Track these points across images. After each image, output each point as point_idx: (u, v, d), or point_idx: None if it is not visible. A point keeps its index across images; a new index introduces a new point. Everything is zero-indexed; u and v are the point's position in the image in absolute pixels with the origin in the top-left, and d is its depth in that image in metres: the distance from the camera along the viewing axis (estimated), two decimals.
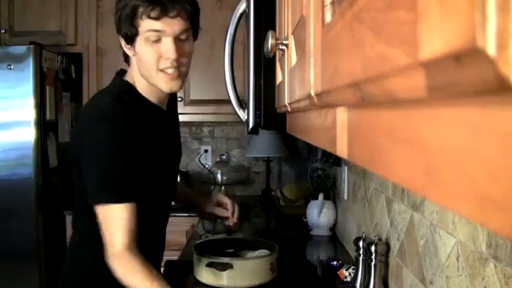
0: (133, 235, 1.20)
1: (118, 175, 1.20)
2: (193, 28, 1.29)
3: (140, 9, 1.19)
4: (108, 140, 1.20)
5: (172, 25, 1.20)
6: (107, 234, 1.20)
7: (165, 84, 1.26)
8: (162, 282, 1.19)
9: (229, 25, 1.27)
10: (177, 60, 1.23)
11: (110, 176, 1.20)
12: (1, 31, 2.90)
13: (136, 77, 1.32)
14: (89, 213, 1.25)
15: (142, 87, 1.32)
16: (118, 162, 1.20)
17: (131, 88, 1.32)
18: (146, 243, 1.33)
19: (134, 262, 1.19)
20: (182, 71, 1.27)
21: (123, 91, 1.30)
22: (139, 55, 1.25)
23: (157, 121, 1.35)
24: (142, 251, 1.24)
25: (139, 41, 1.23)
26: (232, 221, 1.52)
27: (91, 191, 1.22)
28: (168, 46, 1.21)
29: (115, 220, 1.19)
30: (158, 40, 1.21)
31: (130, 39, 1.25)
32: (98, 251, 1.25)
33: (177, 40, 1.23)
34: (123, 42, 1.28)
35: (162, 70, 1.24)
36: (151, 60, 1.23)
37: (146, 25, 1.20)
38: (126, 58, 1.35)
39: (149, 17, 1.19)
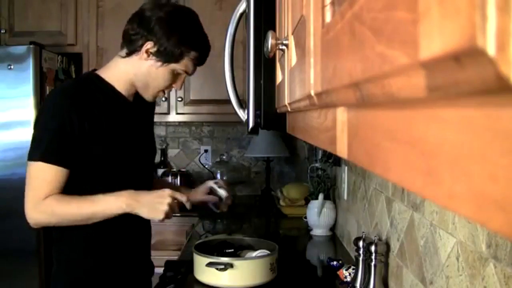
0: (48, 193, 1.30)
1: (47, 137, 1.31)
2: None
3: (194, 53, 1.40)
4: (50, 107, 1.36)
5: (194, 69, 1.46)
6: (26, 188, 1.32)
7: (152, 98, 1.48)
8: (79, 198, 1.32)
9: (229, 25, 1.27)
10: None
11: (41, 138, 1.33)
12: (1, 31, 2.90)
13: (112, 68, 1.46)
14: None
15: (112, 77, 1.44)
16: (52, 126, 1.31)
17: (96, 76, 1.46)
18: (109, 235, 1.44)
19: (48, 202, 1.30)
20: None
21: (84, 77, 1.54)
22: (156, 73, 1.41)
23: (118, 107, 1.47)
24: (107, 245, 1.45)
25: (168, 66, 1.40)
26: (225, 206, 1.67)
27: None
28: (181, 81, 1.47)
29: (35, 176, 1.31)
30: (178, 76, 1.45)
31: (164, 62, 1.39)
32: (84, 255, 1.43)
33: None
34: (151, 55, 1.38)
35: (161, 91, 1.45)
36: (163, 83, 1.43)
37: (186, 62, 1.41)
38: (130, 52, 1.42)
39: (195, 60, 1.42)
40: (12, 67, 2.50)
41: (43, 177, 1.30)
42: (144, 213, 1.34)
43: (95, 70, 1.52)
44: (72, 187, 1.34)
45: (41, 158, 1.30)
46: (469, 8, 0.15)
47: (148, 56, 1.39)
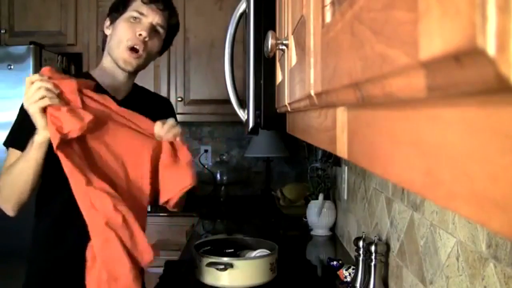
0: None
1: (13, 127, 1.40)
2: (166, 37, 1.48)
3: None
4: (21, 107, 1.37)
5: (154, 14, 1.41)
6: None
7: (124, 59, 1.40)
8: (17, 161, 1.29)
9: (229, 25, 1.27)
10: (145, 41, 1.39)
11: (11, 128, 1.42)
12: (1, 31, 2.90)
13: (101, 65, 1.47)
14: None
15: (99, 73, 1.46)
16: (19, 118, 1.39)
17: (85, 74, 1.50)
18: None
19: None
20: (142, 56, 1.41)
21: (74, 76, 1.49)
22: (115, 30, 1.41)
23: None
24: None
25: (122, 18, 1.40)
26: None
27: None
28: (144, 26, 1.39)
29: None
30: (137, 22, 1.39)
31: (116, 18, 1.42)
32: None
33: (152, 28, 1.41)
34: (107, 23, 1.45)
35: (129, 48, 1.39)
36: (124, 35, 1.39)
37: (135, 5, 1.40)
38: (103, 46, 1.49)
39: (142, 0, 1.39)
40: (12, 67, 2.50)
41: (6, 161, 1.36)
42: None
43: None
44: (51, 181, 1.33)
45: (4, 144, 1.40)
46: (469, 8, 0.15)
47: (108, 28, 1.45)
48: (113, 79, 1.45)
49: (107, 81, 1.45)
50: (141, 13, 1.39)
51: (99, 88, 1.44)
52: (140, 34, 1.38)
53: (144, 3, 1.39)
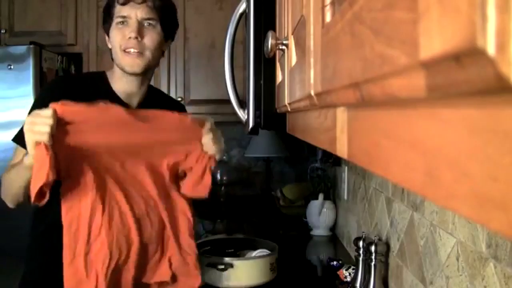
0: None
1: (23, 124, 1.33)
2: (162, 23, 1.41)
3: None
4: (36, 98, 1.41)
5: (136, 11, 1.36)
6: None
7: (127, 64, 1.37)
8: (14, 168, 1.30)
9: (229, 25, 1.27)
10: (138, 40, 1.35)
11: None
12: (1, 31, 2.90)
13: (112, 70, 1.45)
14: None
15: (113, 79, 1.43)
16: (28, 114, 1.32)
17: (101, 74, 1.47)
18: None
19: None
20: (145, 54, 1.37)
21: (90, 73, 1.51)
22: (110, 40, 1.40)
23: None
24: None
25: (111, 28, 1.39)
26: None
27: None
28: (131, 27, 1.35)
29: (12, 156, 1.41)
30: (125, 25, 1.36)
31: (108, 30, 1.40)
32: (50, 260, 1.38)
33: (141, 25, 1.37)
34: (106, 38, 1.44)
35: (125, 51, 1.36)
36: (117, 41, 1.37)
37: (116, 11, 1.37)
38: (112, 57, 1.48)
39: (118, 2, 1.36)
40: (12, 67, 2.50)
41: (13, 156, 1.40)
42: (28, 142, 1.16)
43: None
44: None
45: (13, 139, 1.40)
46: (469, 8, 0.15)
47: (109, 42, 1.43)
48: (125, 86, 1.42)
49: (121, 88, 1.43)
50: (124, 16, 1.36)
51: (109, 93, 1.41)
52: (129, 37, 1.35)
53: (121, 4, 1.36)
